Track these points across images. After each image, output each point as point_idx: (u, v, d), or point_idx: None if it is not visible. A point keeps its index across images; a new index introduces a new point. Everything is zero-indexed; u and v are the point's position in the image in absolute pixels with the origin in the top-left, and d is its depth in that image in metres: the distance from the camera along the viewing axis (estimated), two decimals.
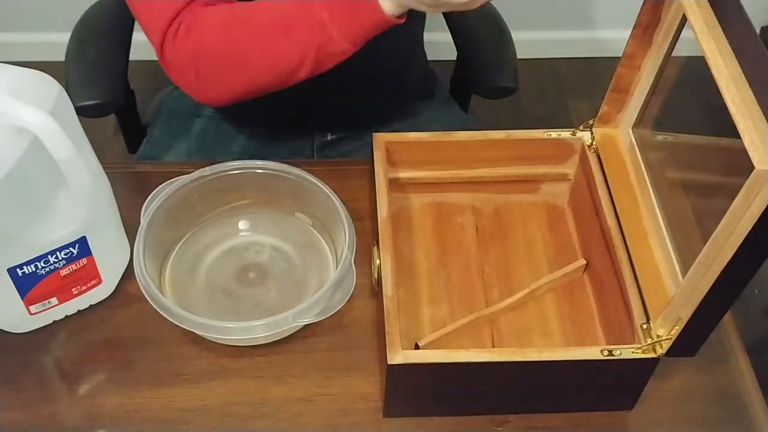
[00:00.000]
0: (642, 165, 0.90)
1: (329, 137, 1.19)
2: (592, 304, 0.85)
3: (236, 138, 1.15)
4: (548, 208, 0.94)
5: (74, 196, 0.78)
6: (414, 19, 1.16)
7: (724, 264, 0.65)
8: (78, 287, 0.86)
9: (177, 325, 0.81)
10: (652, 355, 0.76)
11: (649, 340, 0.76)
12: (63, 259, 0.82)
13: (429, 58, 1.29)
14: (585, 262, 0.89)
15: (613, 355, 0.76)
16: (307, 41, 0.85)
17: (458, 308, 0.86)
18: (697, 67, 0.71)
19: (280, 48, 0.86)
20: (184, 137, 1.16)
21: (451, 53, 1.30)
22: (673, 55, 0.85)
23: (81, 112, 0.80)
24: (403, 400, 0.80)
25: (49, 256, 0.81)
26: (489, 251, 0.90)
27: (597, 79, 2.22)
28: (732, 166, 0.71)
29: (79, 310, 0.88)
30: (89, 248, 0.83)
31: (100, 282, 0.87)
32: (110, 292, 0.89)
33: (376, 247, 0.85)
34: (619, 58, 0.88)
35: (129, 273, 0.89)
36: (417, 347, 0.82)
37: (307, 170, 0.92)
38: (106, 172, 0.85)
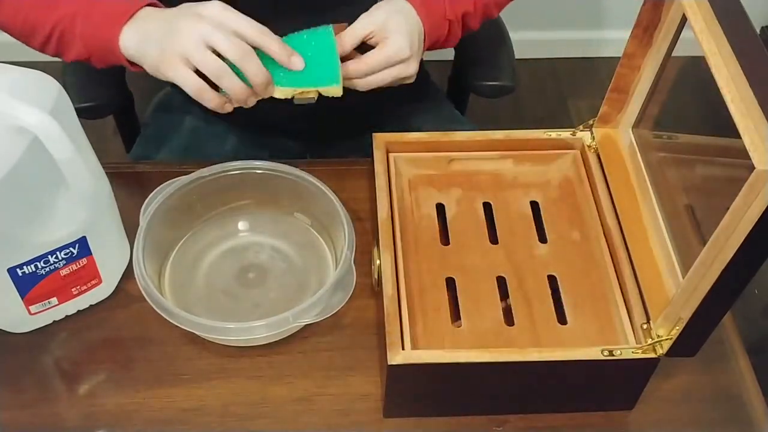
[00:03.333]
0: (642, 165, 0.90)
1: (323, 136, 1.18)
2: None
3: (228, 136, 1.15)
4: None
5: (74, 196, 0.78)
6: None
7: (724, 264, 0.65)
8: (78, 287, 0.86)
9: (177, 326, 0.81)
10: (652, 355, 0.76)
11: (649, 340, 0.76)
12: (63, 259, 0.82)
13: (425, 58, 1.29)
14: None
15: (613, 355, 0.76)
16: (56, 22, 0.87)
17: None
18: (697, 67, 0.71)
19: (36, 12, 0.88)
20: (175, 135, 1.16)
21: (447, 53, 1.30)
22: (673, 55, 0.85)
23: (79, 113, 0.80)
24: (403, 400, 0.80)
25: (49, 256, 0.81)
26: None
27: (597, 79, 2.22)
28: (732, 166, 0.71)
29: (79, 310, 0.88)
30: (89, 248, 0.83)
31: (100, 282, 0.87)
32: (110, 292, 0.89)
33: (376, 247, 0.85)
34: (619, 58, 0.88)
35: (129, 273, 0.89)
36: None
37: (307, 170, 0.92)
38: (106, 172, 0.85)
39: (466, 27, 1.01)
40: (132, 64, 0.87)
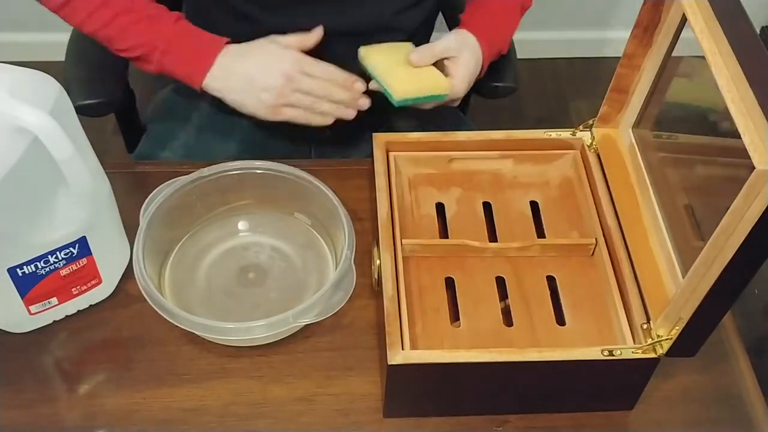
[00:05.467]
0: (642, 165, 0.90)
1: (328, 134, 1.18)
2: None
3: (234, 134, 1.15)
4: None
5: (74, 196, 0.78)
6: (422, 25, 1.17)
7: (724, 264, 0.65)
8: (78, 287, 0.86)
9: (177, 326, 0.81)
10: (652, 355, 0.76)
11: (650, 340, 0.76)
12: (63, 259, 0.82)
13: None
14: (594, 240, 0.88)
15: (613, 355, 0.76)
16: (144, 43, 0.98)
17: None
18: (697, 67, 0.71)
19: (128, 31, 0.99)
20: (181, 133, 1.16)
21: None
22: (673, 55, 0.85)
23: (80, 111, 0.80)
24: (403, 400, 0.80)
25: (49, 256, 0.81)
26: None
27: (597, 79, 2.22)
28: (732, 166, 0.72)
29: (79, 310, 0.88)
30: (89, 248, 0.83)
31: (100, 282, 0.87)
32: (110, 292, 0.89)
33: (376, 247, 0.85)
34: (619, 58, 0.88)
35: (129, 273, 0.89)
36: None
37: (307, 170, 0.92)
38: (106, 172, 0.85)
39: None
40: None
